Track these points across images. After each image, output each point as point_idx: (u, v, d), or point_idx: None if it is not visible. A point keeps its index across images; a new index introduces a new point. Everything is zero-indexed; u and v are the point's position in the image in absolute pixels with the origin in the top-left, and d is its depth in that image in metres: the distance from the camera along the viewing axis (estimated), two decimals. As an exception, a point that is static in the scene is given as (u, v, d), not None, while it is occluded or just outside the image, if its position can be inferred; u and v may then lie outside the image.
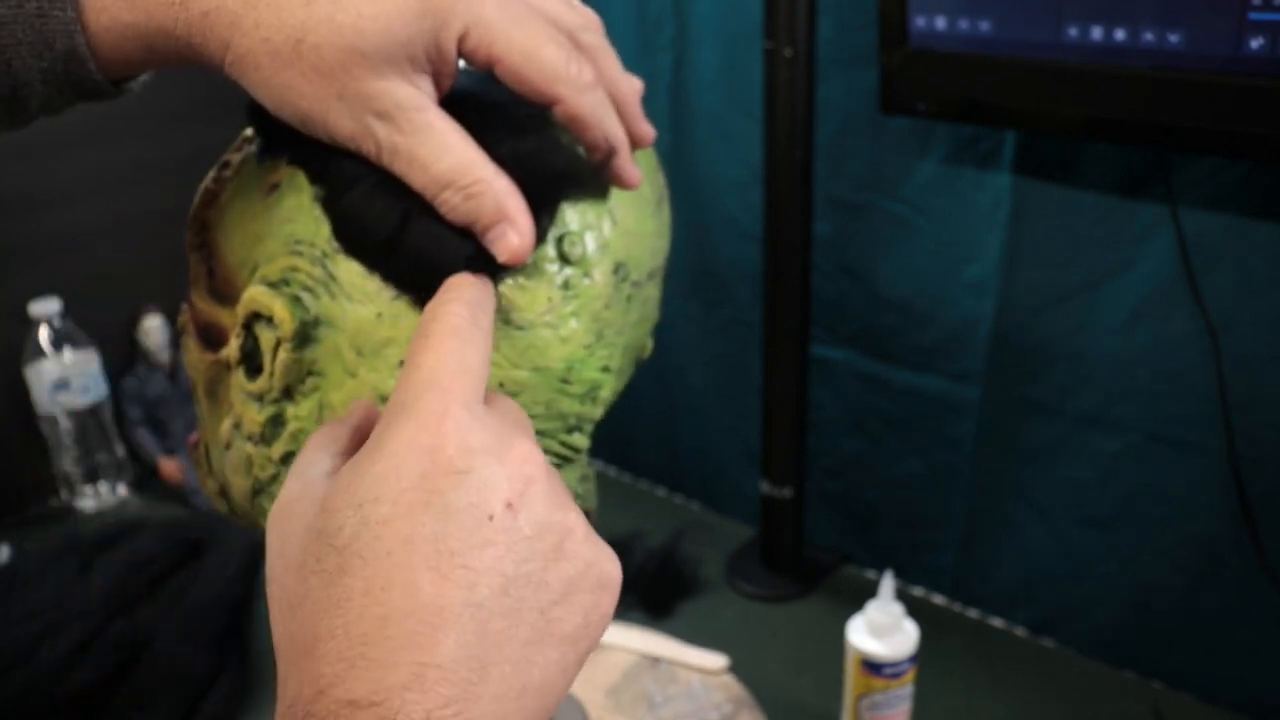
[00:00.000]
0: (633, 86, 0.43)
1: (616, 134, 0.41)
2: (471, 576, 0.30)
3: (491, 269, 0.40)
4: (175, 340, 1.20)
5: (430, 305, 0.36)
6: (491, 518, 0.30)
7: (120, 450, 1.18)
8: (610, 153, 0.41)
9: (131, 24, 0.38)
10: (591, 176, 0.42)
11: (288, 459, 0.43)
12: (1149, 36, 0.70)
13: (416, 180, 0.38)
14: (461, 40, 0.37)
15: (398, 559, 0.29)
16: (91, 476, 1.15)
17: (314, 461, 0.34)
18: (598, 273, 0.43)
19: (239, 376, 0.44)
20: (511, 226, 0.38)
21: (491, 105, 0.41)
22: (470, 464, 0.31)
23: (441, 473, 0.30)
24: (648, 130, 0.44)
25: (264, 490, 0.44)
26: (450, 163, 0.37)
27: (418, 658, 0.28)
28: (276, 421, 0.43)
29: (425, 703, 0.28)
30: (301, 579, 0.31)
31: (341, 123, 0.37)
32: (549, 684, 0.31)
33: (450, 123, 0.38)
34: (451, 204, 0.38)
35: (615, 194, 0.44)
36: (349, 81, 0.36)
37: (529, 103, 0.40)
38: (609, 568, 0.33)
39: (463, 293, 0.36)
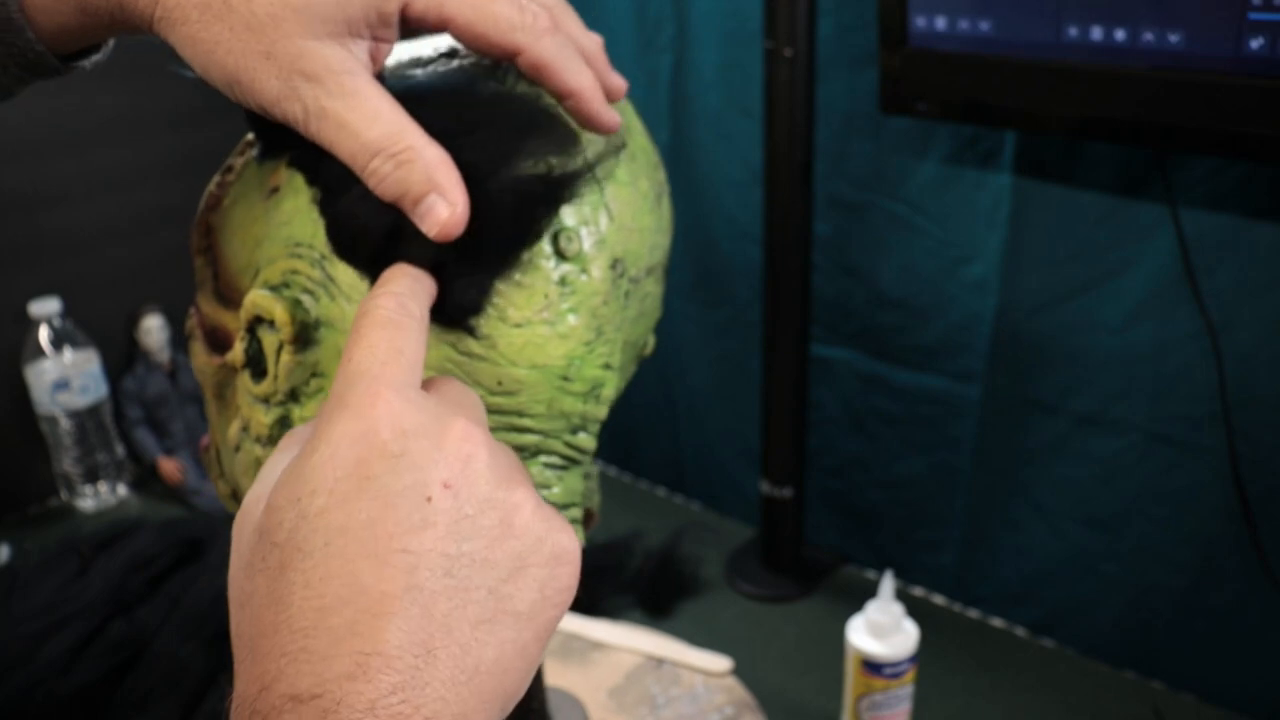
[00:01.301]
0: (595, 41, 0.42)
1: (583, 77, 0.40)
2: (412, 560, 0.29)
3: (482, 268, 0.40)
4: (175, 340, 1.20)
5: (361, 302, 0.36)
6: (430, 499, 0.30)
7: (120, 450, 1.18)
8: (578, 96, 0.40)
9: None
10: (551, 123, 0.41)
11: None
12: (1149, 36, 0.70)
13: (345, 147, 0.36)
14: (407, 6, 0.36)
15: (335, 549, 0.29)
16: (91, 476, 1.15)
17: (278, 464, 0.33)
18: (595, 269, 0.43)
19: (245, 379, 0.44)
20: (442, 197, 0.36)
21: (443, 90, 0.40)
22: (405, 446, 0.30)
23: (376, 457, 0.30)
24: (619, 81, 0.42)
25: None
26: (381, 130, 0.36)
27: (359, 647, 0.27)
28: (284, 423, 0.43)
29: (369, 692, 0.27)
30: (249, 577, 0.30)
31: (268, 83, 0.36)
32: (504, 663, 0.30)
33: (380, 89, 0.37)
34: (382, 173, 0.36)
35: (613, 190, 0.44)
36: (278, 38, 0.35)
37: (483, 84, 0.39)
38: (563, 539, 0.32)
39: (391, 285, 0.36)
